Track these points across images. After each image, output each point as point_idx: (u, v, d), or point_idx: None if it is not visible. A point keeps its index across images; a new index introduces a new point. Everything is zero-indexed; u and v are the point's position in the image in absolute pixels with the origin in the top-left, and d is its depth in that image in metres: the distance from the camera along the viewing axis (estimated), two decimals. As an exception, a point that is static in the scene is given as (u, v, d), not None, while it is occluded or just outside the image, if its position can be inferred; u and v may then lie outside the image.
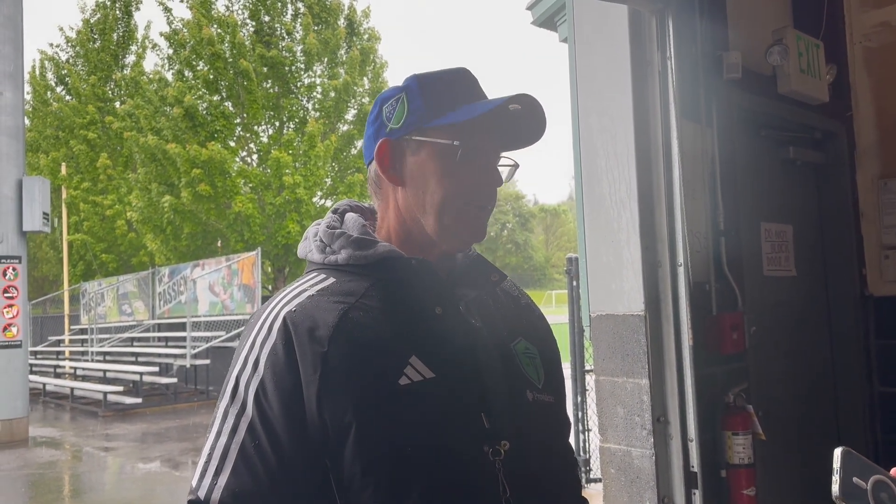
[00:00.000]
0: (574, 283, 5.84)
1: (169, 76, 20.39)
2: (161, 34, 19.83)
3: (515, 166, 1.26)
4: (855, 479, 0.86)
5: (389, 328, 1.14)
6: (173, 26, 19.77)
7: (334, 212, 1.31)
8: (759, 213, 3.29)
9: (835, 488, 0.86)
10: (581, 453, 6.03)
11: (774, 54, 3.23)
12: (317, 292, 1.16)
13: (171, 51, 20.00)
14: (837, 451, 0.89)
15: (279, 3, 19.84)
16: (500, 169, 1.24)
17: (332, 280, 1.19)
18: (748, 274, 3.02)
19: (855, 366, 3.61)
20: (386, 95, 1.25)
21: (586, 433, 6.02)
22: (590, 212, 2.81)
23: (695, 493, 2.58)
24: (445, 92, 1.21)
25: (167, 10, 19.83)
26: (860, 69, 3.86)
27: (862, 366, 3.62)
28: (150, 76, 21.09)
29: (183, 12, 19.91)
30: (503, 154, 1.25)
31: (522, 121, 1.22)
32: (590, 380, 5.71)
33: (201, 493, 1.07)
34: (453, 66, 1.26)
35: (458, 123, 1.17)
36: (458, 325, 1.20)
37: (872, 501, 0.86)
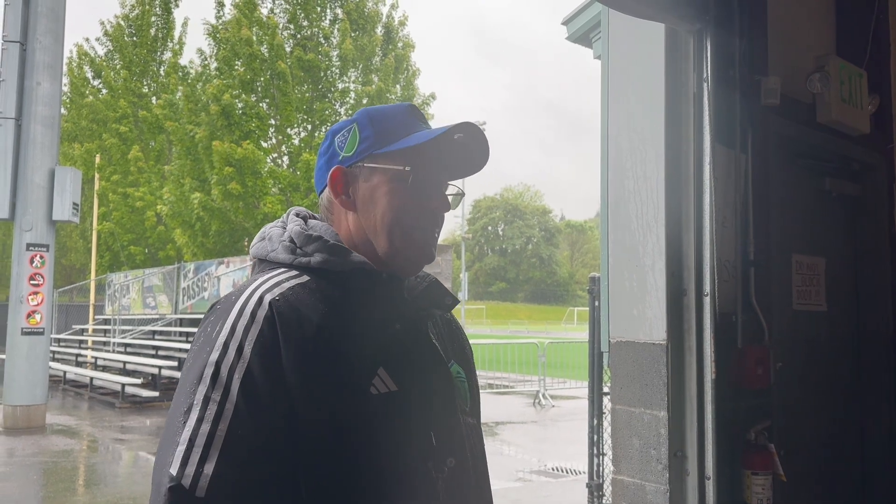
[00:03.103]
0: (596, 304, 5.72)
1: (205, 70, 20.70)
2: (204, 22, 20.14)
3: (461, 194, 1.32)
4: None
5: (361, 337, 1.16)
6: (220, 19, 20.10)
7: (297, 216, 1.32)
8: (791, 245, 3.18)
9: None
10: (595, 477, 5.90)
11: (815, 81, 3.12)
12: (297, 286, 1.16)
13: (211, 47, 20.33)
14: None
15: (318, 8, 20.07)
16: (447, 196, 1.30)
17: (306, 278, 1.19)
18: (777, 307, 2.91)
19: (885, 408, 3.47)
20: (337, 128, 1.30)
21: (601, 457, 5.88)
22: (614, 234, 2.72)
23: (709, 534, 2.47)
24: (394, 122, 1.27)
25: (220, 3, 20.17)
26: (904, 101, 3.73)
27: (892, 408, 3.48)
28: (193, 69, 21.41)
29: (227, 11, 20.29)
30: (450, 182, 1.31)
31: (467, 149, 1.29)
32: (607, 402, 5.59)
33: (185, 482, 1.01)
34: (401, 103, 1.33)
35: (407, 149, 1.23)
36: (421, 342, 1.25)
37: None
